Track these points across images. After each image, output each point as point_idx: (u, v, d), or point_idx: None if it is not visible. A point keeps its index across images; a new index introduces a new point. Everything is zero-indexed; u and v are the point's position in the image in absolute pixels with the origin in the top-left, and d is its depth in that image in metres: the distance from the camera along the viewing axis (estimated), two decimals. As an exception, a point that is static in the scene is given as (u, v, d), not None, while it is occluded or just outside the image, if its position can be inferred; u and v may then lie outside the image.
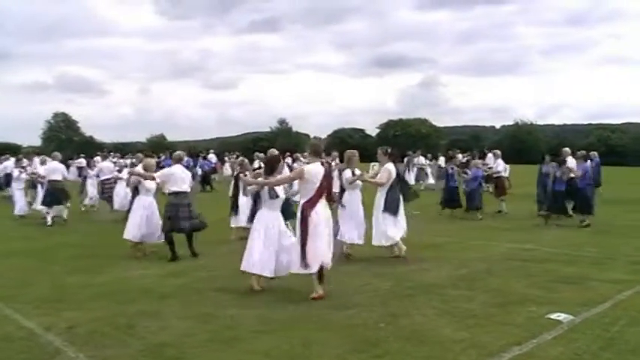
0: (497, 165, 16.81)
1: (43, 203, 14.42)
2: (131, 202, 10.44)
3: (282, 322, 5.89)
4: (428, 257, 9.24)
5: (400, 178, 9.59)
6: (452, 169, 15.66)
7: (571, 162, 14.38)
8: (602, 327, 5.63)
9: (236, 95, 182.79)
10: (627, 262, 8.93)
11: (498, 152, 18.49)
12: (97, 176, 17.01)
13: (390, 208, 9.11)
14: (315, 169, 6.87)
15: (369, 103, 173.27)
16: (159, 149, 41.50)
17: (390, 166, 9.26)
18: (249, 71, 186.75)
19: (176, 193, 9.35)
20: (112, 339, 5.47)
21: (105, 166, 17.48)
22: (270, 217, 7.22)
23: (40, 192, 15.14)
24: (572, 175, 13.45)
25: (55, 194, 14.16)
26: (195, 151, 34.66)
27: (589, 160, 15.14)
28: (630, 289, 7.14)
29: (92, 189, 17.39)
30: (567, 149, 15.06)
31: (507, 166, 18.49)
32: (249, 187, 7.58)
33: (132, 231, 9.84)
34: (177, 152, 10.26)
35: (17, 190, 16.02)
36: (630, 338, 5.33)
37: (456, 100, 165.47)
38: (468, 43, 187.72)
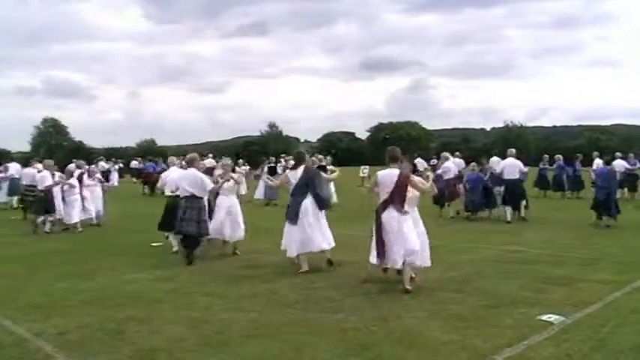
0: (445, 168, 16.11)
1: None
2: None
3: (272, 327, 5.88)
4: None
5: (314, 185, 8.73)
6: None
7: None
8: (593, 328, 5.66)
9: (225, 99, 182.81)
10: (615, 262, 8.99)
11: (445, 155, 17.84)
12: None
13: (289, 214, 8.73)
14: (386, 174, 7.45)
15: (359, 106, 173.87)
16: (149, 154, 41.45)
17: (290, 172, 8.99)
18: (238, 75, 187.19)
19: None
20: (102, 344, 5.44)
21: (25, 172, 16.88)
22: None
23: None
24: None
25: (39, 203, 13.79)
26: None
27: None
28: (619, 289, 7.18)
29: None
30: (512, 150, 15.49)
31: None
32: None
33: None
34: (193, 154, 10.31)
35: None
36: (621, 339, 5.35)
37: (445, 103, 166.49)
38: (457, 45, 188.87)
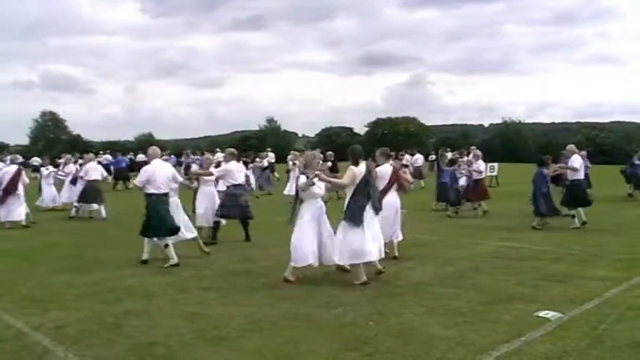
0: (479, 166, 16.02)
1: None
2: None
3: (270, 321, 5.88)
4: (415, 256, 9.24)
5: (370, 184, 7.73)
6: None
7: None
8: (590, 324, 5.67)
9: (223, 94, 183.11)
10: (613, 259, 9.00)
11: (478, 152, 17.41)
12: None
13: (352, 217, 7.46)
14: (385, 169, 8.92)
15: (357, 101, 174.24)
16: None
17: (361, 167, 7.62)
18: (235, 69, 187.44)
19: (234, 186, 10.79)
20: (100, 338, 5.44)
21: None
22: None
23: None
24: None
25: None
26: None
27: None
28: (617, 286, 7.19)
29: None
30: (572, 146, 13.92)
31: (494, 165, 18.29)
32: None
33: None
34: (230, 149, 11.40)
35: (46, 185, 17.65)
36: (618, 335, 5.36)
37: (444, 99, 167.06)
38: (456, 41, 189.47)
